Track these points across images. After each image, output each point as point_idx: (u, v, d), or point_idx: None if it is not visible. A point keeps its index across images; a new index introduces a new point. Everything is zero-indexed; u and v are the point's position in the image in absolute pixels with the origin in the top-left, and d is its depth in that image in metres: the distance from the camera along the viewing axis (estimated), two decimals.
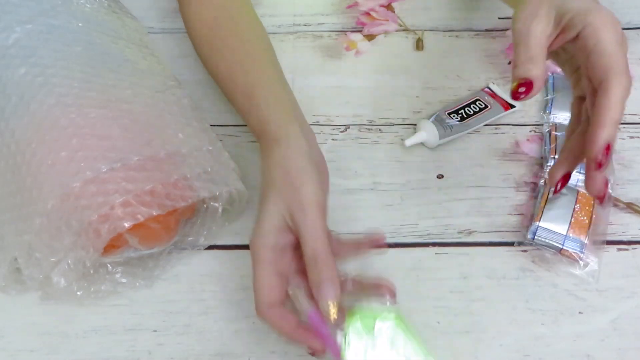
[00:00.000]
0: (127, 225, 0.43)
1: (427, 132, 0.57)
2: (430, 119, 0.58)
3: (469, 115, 0.59)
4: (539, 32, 0.37)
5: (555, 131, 0.58)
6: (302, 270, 0.42)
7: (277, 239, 0.42)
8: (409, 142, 0.57)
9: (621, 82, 0.35)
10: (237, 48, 0.53)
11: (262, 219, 0.43)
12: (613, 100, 0.36)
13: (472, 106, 0.59)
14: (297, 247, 0.43)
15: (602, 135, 0.36)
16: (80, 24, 0.53)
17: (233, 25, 0.55)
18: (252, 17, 0.57)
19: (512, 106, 0.60)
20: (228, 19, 0.55)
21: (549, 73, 0.64)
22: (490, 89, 0.62)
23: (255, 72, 0.51)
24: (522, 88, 0.37)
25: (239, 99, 0.52)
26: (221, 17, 0.55)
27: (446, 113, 0.59)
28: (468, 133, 0.59)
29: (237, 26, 0.55)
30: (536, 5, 0.38)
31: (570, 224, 0.51)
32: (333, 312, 0.39)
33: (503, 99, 0.60)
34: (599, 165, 0.37)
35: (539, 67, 0.37)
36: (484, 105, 0.60)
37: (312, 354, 0.41)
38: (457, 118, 0.58)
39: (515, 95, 0.38)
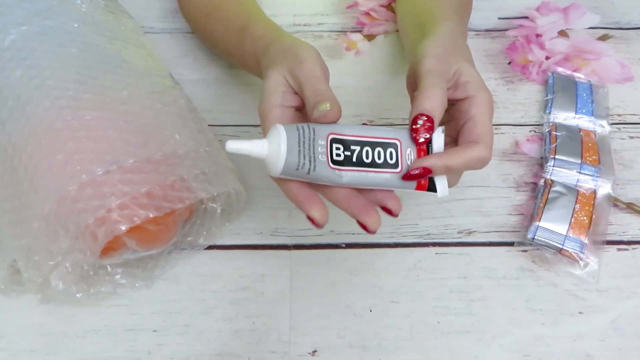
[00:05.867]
0: (123, 228, 0.43)
1: (270, 148, 0.37)
2: (296, 130, 0.37)
3: (360, 163, 0.39)
4: (447, 78, 0.42)
5: (555, 131, 0.58)
6: None
7: (283, 99, 0.42)
8: (231, 145, 0.37)
9: (483, 153, 0.41)
10: (231, 8, 0.56)
11: (265, 86, 0.42)
12: (471, 159, 0.41)
13: (378, 150, 0.39)
14: (304, 112, 0.42)
15: (445, 165, 0.40)
16: (76, 25, 0.52)
17: None
18: None
19: (432, 189, 0.41)
20: None
21: (549, 73, 0.64)
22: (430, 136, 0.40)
23: (247, 13, 0.54)
24: (421, 120, 0.40)
25: (233, 41, 0.54)
26: None
27: (329, 137, 0.38)
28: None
29: None
30: (444, 59, 0.42)
31: (570, 224, 0.51)
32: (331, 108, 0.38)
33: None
34: (410, 176, 0.40)
35: (442, 110, 0.40)
36: (393, 161, 0.40)
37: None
38: (339, 154, 0.38)
39: (415, 130, 0.40)
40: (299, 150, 0.37)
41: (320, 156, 0.38)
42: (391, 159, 0.40)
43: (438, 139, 0.41)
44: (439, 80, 0.41)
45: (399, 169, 0.40)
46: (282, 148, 0.37)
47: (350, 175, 0.39)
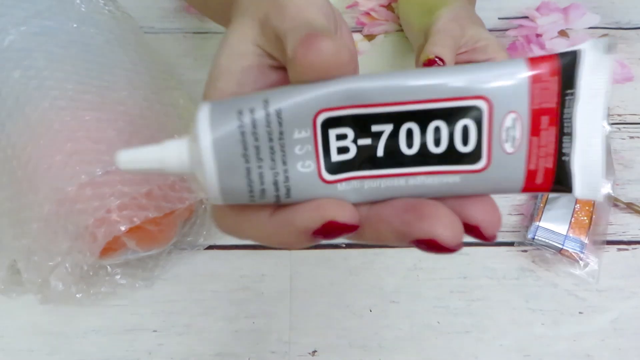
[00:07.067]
0: (123, 228, 0.43)
1: (191, 159, 0.20)
2: (236, 120, 0.19)
3: (391, 161, 0.21)
4: (457, 36, 0.41)
5: None
6: None
7: (241, 82, 0.22)
8: (122, 158, 0.20)
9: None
10: None
11: (216, 59, 0.23)
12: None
13: (435, 126, 0.20)
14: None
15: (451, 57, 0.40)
16: (75, 25, 0.52)
17: None
18: None
19: (563, 187, 0.21)
20: None
21: None
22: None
23: None
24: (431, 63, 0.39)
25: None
26: None
27: (319, 118, 0.20)
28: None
29: None
30: (456, 21, 0.42)
31: (570, 224, 0.51)
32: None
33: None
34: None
35: (452, 57, 0.40)
36: (471, 147, 0.20)
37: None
38: (346, 148, 0.20)
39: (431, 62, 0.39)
40: (247, 167, 0.20)
41: (299, 165, 0.20)
42: (466, 142, 0.20)
43: None
44: (448, 36, 0.40)
45: (483, 163, 0.21)
46: (207, 163, 0.19)
47: (371, 189, 0.21)
